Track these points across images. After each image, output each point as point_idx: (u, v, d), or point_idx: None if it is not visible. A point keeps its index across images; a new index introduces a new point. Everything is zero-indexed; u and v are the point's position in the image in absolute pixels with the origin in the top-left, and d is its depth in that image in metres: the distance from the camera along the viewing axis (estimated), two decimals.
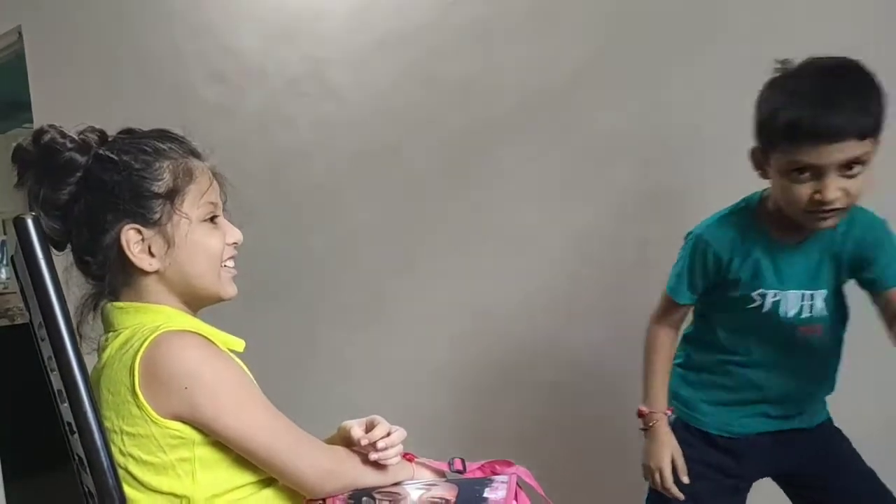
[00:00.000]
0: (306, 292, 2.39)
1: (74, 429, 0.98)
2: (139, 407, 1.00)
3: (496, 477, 1.13)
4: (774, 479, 1.55)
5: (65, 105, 2.30)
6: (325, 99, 2.30)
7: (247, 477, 1.07)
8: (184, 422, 1.01)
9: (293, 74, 2.30)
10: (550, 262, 2.23)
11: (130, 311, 1.08)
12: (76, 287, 1.12)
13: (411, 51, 2.23)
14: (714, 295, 1.47)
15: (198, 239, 1.11)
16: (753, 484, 1.56)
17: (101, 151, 1.08)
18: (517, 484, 1.11)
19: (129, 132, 1.13)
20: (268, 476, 1.10)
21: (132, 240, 1.07)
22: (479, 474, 1.18)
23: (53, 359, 0.98)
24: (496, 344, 2.32)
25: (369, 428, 1.13)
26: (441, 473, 1.19)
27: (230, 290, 1.16)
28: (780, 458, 1.50)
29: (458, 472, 1.19)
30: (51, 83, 2.34)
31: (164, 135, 1.12)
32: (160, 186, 1.08)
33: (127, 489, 1.01)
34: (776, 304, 1.40)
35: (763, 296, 1.40)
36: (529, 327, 2.28)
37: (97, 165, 1.08)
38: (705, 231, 1.46)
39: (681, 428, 1.52)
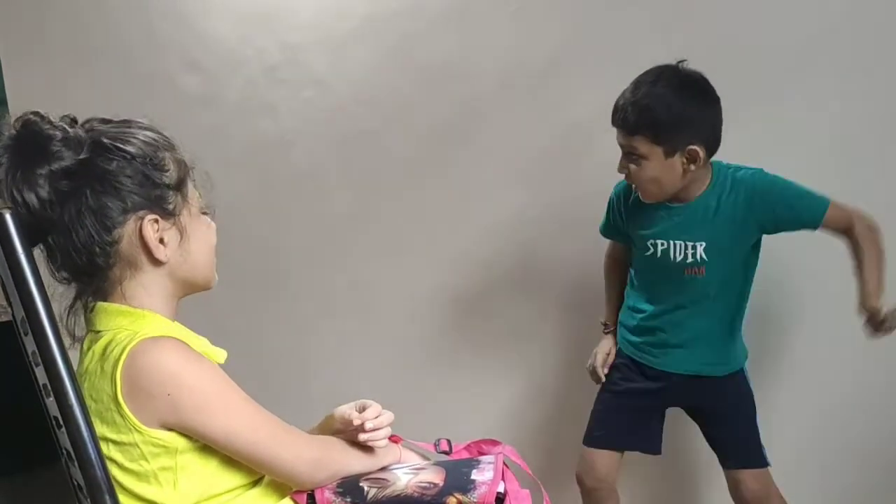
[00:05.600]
0: (289, 280, 2.38)
1: (61, 423, 0.98)
2: (122, 416, 0.99)
3: (483, 457, 1.14)
4: (685, 410, 1.91)
5: (41, 98, 2.27)
6: (304, 85, 2.29)
7: (229, 483, 1.07)
8: (169, 428, 1.01)
9: (271, 62, 2.29)
10: (532, 245, 2.24)
11: (113, 313, 1.07)
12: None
13: (389, 36, 2.22)
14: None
15: (200, 230, 1.12)
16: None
17: (104, 140, 1.02)
18: (504, 463, 1.12)
19: (101, 121, 1.07)
20: (250, 481, 1.10)
21: (152, 230, 1.05)
22: (465, 455, 1.19)
23: (37, 353, 0.98)
24: (480, 329, 2.33)
25: (361, 411, 1.15)
26: (427, 456, 1.20)
27: (216, 277, 1.16)
28: (689, 395, 1.84)
29: (445, 452, 1.20)
30: (26, 76, 2.31)
31: (144, 125, 1.08)
32: (170, 177, 1.07)
33: None
34: (665, 251, 1.74)
35: (654, 245, 1.75)
36: (513, 310, 2.29)
37: (98, 155, 1.02)
38: None
39: (619, 353, 1.90)
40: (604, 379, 1.92)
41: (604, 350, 1.93)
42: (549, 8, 2.11)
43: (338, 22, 2.23)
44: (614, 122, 1.67)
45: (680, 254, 1.73)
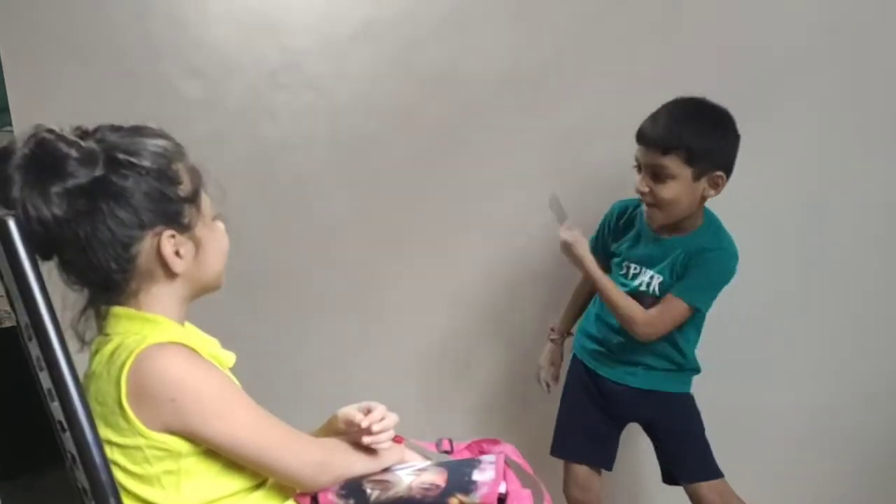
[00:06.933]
0: (292, 284, 2.39)
1: (66, 426, 0.99)
2: (126, 420, 1.00)
3: (484, 457, 1.14)
4: (641, 426, 1.93)
5: (43, 105, 2.28)
6: (305, 90, 2.29)
7: (232, 486, 1.08)
8: (174, 433, 1.01)
9: (271, 67, 2.29)
10: (532, 248, 2.25)
11: (124, 317, 1.07)
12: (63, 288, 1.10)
13: (390, 41, 2.23)
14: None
15: (215, 239, 1.12)
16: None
17: (118, 155, 1.00)
18: (505, 462, 1.12)
19: (112, 129, 1.05)
20: (254, 484, 1.10)
21: (169, 245, 1.05)
22: (466, 454, 1.19)
23: (42, 358, 0.98)
24: (480, 330, 2.34)
25: (366, 412, 1.15)
26: (429, 456, 1.20)
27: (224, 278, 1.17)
28: (639, 411, 1.88)
29: (446, 451, 1.20)
30: (28, 83, 2.32)
31: (155, 132, 1.07)
32: (184, 190, 1.06)
33: None
34: (635, 275, 1.78)
35: (627, 267, 1.80)
36: (513, 312, 2.30)
37: (113, 172, 1.00)
38: None
39: (574, 358, 1.96)
40: (549, 391, 2.02)
41: (548, 361, 2.04)
42: (547, 14, 2.12)
43: (338, 27, 2.24)
44: (643, 141, 1.67)
45: (643, 282, 1.77)
